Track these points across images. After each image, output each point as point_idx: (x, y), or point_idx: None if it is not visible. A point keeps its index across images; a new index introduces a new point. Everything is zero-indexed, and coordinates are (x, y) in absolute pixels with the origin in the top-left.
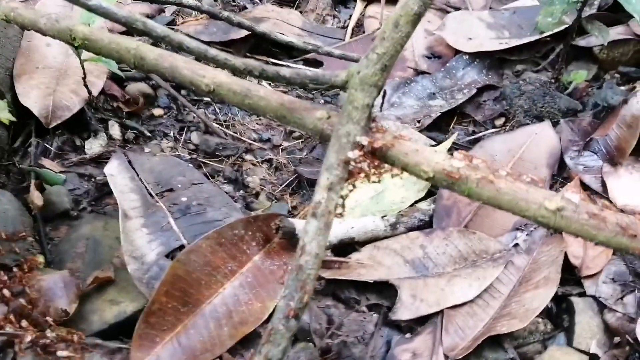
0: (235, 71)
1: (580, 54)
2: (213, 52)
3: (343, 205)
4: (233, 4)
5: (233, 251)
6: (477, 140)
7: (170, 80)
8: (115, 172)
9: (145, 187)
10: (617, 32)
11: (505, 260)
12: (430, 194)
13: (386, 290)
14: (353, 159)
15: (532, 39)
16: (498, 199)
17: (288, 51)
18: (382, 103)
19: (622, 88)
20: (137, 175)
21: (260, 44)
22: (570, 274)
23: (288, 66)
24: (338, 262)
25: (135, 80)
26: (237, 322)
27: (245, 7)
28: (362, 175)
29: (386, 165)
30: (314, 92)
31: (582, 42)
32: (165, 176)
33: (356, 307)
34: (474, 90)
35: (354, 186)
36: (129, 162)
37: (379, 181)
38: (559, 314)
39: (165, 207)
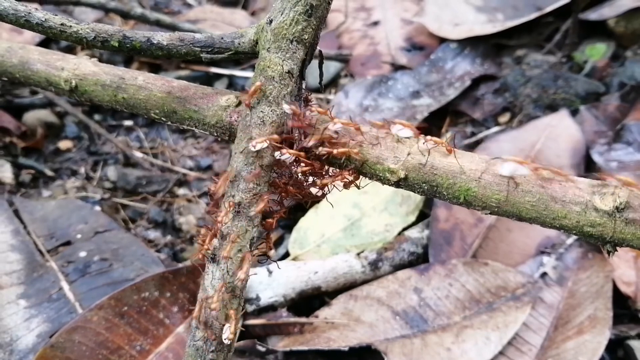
0: (84, 44)
1: (591, 30)
2: (39, 15)
3: (269, 240)
4: (165, 10)
5: (143, 323)
6: (479, 142)
7: (23, 82)
8: None
9: (35, 242)
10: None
11: (531, 297)
12: (422, 216)
13: (369, 358)
14: (271, 162)
15: (532, 17)
16: (515, 203)
17: None
18: (321, 79)
19: None
20: (25, 227)
21: None
22: (621, 307)
23: (211, 60)
24: (298, 325)
25: (35, 107)
26: None
27: (179, 12)
28: (294, 189)
29: (332, 170)
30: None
31: (592, 15)
32: (62, 225)
33: None
34: (468, 83)
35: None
36: (15, 211)
37: (322, 195)
38: None
39: (57, 267)
